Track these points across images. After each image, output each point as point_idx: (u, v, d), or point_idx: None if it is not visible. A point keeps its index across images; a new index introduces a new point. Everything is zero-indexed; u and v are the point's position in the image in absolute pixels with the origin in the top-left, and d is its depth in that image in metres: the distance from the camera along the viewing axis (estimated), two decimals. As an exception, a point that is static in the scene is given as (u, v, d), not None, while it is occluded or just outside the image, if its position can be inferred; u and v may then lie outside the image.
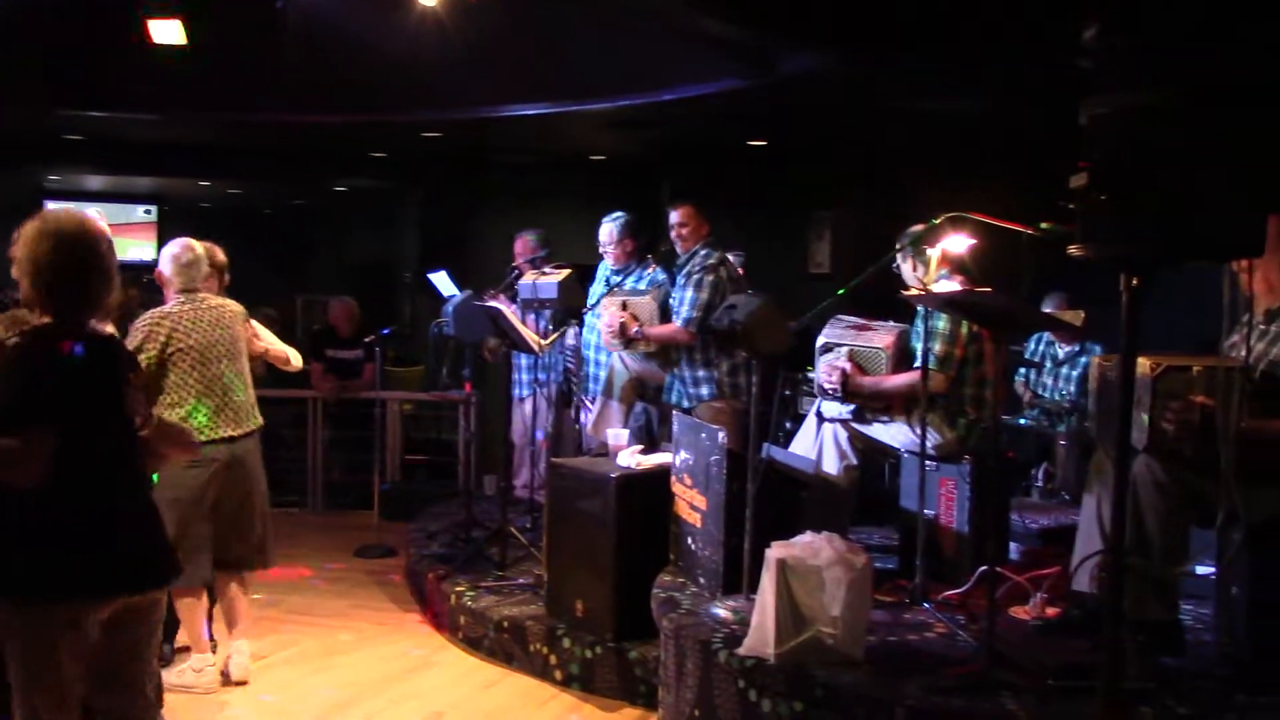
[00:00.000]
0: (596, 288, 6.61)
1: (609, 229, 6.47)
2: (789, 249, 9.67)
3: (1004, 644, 3.53)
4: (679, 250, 6.07)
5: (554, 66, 7.42)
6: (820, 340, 4.95)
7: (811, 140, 9.05)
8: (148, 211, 13.35)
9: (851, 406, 4.86)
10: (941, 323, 4.59)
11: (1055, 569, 4.61)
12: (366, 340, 8.32)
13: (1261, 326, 3.53)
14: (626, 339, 5.99)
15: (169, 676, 4.68)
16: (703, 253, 5.95)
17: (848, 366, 4.76)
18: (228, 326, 4.84)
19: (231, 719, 4.63)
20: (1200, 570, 4.18)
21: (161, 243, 7.85)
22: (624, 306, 6.00)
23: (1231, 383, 3.38)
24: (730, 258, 6.09)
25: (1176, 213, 2.63)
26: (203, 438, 4.56)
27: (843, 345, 4.86)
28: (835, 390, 4.77)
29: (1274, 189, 2.74)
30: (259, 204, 15.71)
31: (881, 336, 4.80)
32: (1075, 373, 7.16)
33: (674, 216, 6.05)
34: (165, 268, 4.83)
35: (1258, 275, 3.58)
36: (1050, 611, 4.07)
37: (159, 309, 4.76)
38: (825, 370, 4.83)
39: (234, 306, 4.96)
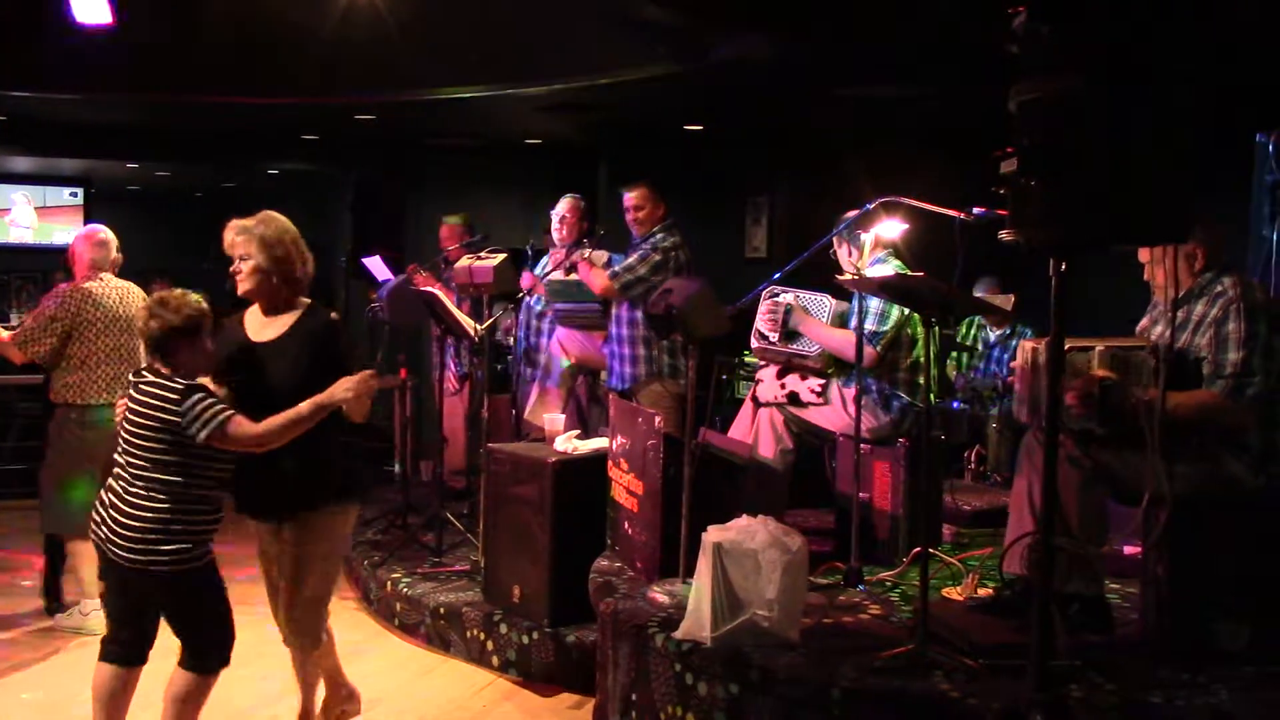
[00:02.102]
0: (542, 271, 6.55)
1: (570, 203, 6.44)
2: (726, 233, 9.68)
3: (937, 624, 3.58)
4: (634, 234, 5.92)
5: (489, 49, 7.35)
6: (765, 291, 5.06)
7: (748, 125, 9.05)
8: (74, 194, 13.04)
9: (787, 390, 4.90)
10: (874, 302, 4.65)
11: (987, 550, 4.68)
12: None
13: (1169, 315, 3.59)
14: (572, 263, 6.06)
15: (61, 619, 5.46)
16: (658, 235, 5.79)
17: (793, 300, 4.93)
18: (130, 305, 5.44)
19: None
20: (1128, 550, 4.26)
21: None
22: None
23: (1142, 362, 3.44)
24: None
25: (1104, 198, 2.67)
26: (102, 400, 5.30)
27: (788, 291, 5.04)
28: (775, 321, 4.88)
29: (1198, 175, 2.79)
30: (188, 187, 15.42)
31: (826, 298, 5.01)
32: (1006, 356, 7.25)
33: (627, 199, 5.89)
34: (78, 247, 5.51)
35: (1159, 267, 3.64)
36: (982, 592, 4.13)
37: (70, 285, 5.43)
38: (769, 306, 4.92)
39: (136, 290, 5.59)
